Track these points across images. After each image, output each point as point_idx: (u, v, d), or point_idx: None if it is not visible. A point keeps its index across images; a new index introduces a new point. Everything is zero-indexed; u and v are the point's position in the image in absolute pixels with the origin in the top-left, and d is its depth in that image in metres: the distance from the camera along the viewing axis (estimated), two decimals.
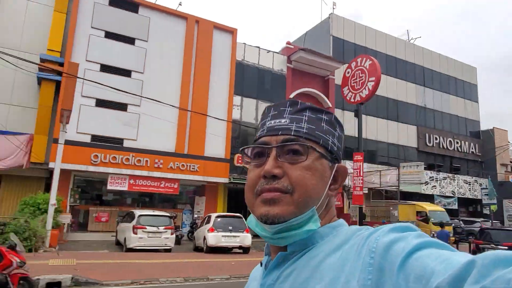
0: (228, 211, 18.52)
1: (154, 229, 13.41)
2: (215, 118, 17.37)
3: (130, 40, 18.27)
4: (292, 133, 0.76)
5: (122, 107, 17.51)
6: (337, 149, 0.81)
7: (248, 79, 21.75)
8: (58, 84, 16.40)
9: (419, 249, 0.55)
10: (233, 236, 13.98)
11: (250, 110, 21.46)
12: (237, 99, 20.93)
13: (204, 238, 14.04)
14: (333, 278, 0.63)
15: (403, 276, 0.53)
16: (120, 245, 14.53)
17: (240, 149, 0.84)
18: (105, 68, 17.40)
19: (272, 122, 0.79)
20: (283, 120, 0.78)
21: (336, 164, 0.79)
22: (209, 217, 14.72)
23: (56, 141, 14.30)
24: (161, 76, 18.55)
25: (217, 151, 19.19)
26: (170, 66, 18.91)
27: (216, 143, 19.10)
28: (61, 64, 16.44)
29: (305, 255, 0.71)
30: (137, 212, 13.96)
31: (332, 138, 0.80)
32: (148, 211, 14.56)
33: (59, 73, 15.95)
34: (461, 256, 0.51)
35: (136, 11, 18.66)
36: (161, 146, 17.90)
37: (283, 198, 0.71)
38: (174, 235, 14.06)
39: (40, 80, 16.59)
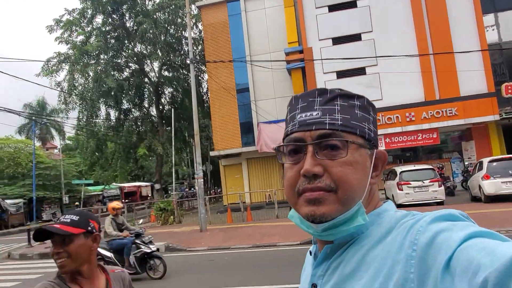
0: (507, 153, 15.74)
1: (419, 183, 13.26)
2: (463, 52, 15.06)
3: (352, 4, 18.36)
4: (327, 127, 0.72)
5: (360, 71, 17.96)
6: (374, 135, 0.77)
7: None
8: (303, 69, 18.72)
9: (465, 241, 0.53)
10: None
11: None
12: (489, 18, 17.14)
13: (480, 187, 12.66)
14: (378, 270, 0.64)
15: (449, 271, 0.53)
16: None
17: (273, 147, 0.82)
18: (336, 41, 18.32)
19: (303, 115, 0.75)
20: (314, 113, 0.74)
21: (375, 150, 0.76)
22: (481, 162, 13.11)
23: None
24: (391, 27, 17.65)
25: (476, 86, 16.52)
26: (397, 12, 17.66)
27: (472, 78, 16.45)
28: (301, 51, 18.69)
29: (351, 247, 0.71)
30: (398, 168, 14.19)
31: (368, 124, 0.76)
32: (409, 166, 14.49)
33: (302, 60, 18.27)
34: (508, 247, 0.49)
35: None
36: (409, 99, 17.16)
37: (328, 197, 0.69)
38: (442, 187, 13.43)
39: (290, 71, 19.44)
